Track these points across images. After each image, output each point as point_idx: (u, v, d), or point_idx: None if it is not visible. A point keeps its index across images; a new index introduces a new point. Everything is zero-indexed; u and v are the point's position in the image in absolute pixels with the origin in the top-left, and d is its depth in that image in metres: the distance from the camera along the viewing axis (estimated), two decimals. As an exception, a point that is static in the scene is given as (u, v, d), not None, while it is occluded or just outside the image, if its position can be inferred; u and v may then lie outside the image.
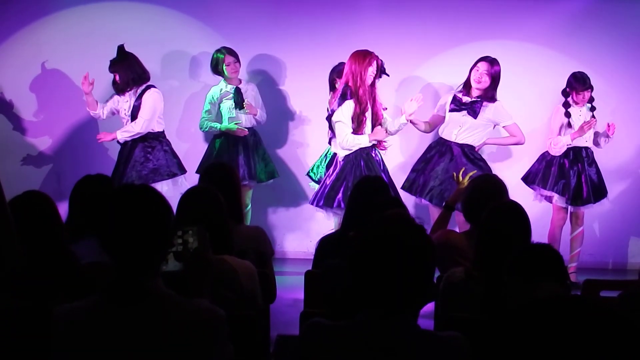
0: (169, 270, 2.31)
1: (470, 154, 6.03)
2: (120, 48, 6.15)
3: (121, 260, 2.08)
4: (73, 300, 2.15)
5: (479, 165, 5.94)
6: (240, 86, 6.57)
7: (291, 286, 5.30)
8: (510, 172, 6.66)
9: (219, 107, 6.59)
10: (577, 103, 6.28)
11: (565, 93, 6.30)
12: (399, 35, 6.95)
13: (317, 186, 6.03)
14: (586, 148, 6.34)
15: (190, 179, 6.14)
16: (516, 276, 2.63)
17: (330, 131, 5.81)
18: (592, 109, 6.32)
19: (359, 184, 4.06)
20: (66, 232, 2.96)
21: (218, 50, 6.51)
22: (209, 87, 6.72)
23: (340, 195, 5.52)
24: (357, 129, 5.53)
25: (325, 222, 6.11)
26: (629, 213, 6.99)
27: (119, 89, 6.19)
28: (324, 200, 5.60)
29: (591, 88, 6.24)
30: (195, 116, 6.77)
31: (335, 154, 5.81)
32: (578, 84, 6.20)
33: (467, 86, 6.07)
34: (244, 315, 2.82)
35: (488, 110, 6.03)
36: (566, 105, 6.30)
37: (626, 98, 6.96)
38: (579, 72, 6.26)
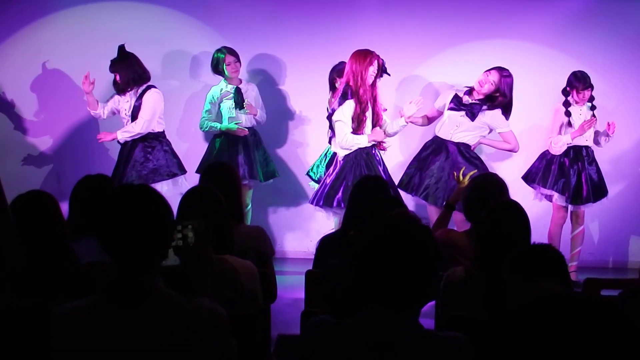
0: (169, 264, 2.31)
1: (466, 152, 6.03)
2: (121, 48, 6.15)
3: (121, 260, 2.09)
4: (73, 299, 2.15)
5: (475, 164, 5.94)
6: (240, 86, 6.57)
7: (291, 286, 5.30)
8: (510, 171, 6.66)
9: (219, 107, 6.59)
10: (577, 102, 6.28)
11: (565, 92, 6.30)
12: (399, 34, 6.94)
13: (316, 186, 6.02)
14: (586, 147, 6.34)
15: (191, 179, 6.14)
16: (516, 275, 2.63)
17: (330, 131, 5.81)
18: (593, 108, 6.32)
19: (359, 183, 4.07)
20: (67, 232, 2.96)
21: (218, 50, 6.51)
22: (209, 86, 6.72)
23: (340, 194, 5.51)
24: (357, 129, 5.52)
25: (326, 222, 6.11)
26: (629, 212, 6.99)
27: (120, 88, 6.19)
28: (324, 199, 5.59)
29: (591, 87, 6.24)
30: (196, 116, 6.77)
31: (335, 154, 5.81)
32: (578, 83, 6.20)
33: (473, 87, 6.07)
34: (245, 314, 2.82)
35: (486, 115, 6.03)
36: (566, 104, 6.30)
37: (626, 97, 6.96)
38: (579, 71, 6.26)
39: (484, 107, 5.99)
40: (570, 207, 6.36)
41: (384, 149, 5.73)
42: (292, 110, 7.17)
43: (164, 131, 6.29)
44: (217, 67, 6.52)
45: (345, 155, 5.59)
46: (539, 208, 6.46)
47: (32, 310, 2.64)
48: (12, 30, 7.15)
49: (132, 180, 6.00)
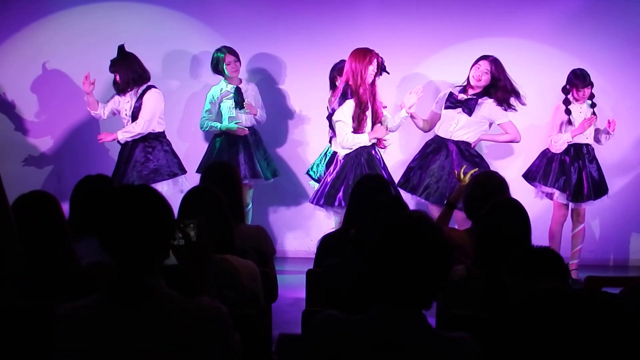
0: (169, 263, 2.31)
1: (466, 150, 6.03)
2: (121, 48, 6.15)
3: (122, 261, 2.09)
4: (74, 300, 2.15)
5: (475, 162, 5.94)
6: (240, 86, 6.57)
7: (292, 285, 5.30)
8: (511, 170, 6.66)
9: (219, 106, 6.59)
10: (577, 100, 6.28)
11: (565, 90, 6.30)
12: (399, 33, 6.94)
13: (316, 185, 6.03)
14: (587, 145, 6.34)
15: (191, 179, 6.14)
16: (517, 275, 2.64)
17: (330, 130, 5.81)
18: (593, 105, 6.32)
19: (359, 183, 4.07)
20: (68, 232, 2.96)
21: (218, 50, 6.51)
22: (209, 86, 6.72)
23: (341, 194, 5.51)
24: (358, 128, 5.52)
25: (326, 221, 6.11)
26: (630, 209, 6.99)
27: (120, 89, 6.19)
28: (325, 199, 5.60)
29: (591, 85, 6.24)
30: (196, 116, 6.78)
31: (335, 153, 5.81)
32: (578, 80, 6.20)
33: (467, 84, 6.08)
34: (246, 314, 2.82)
35: (483, 108, 6.03)
36: (566, 102, 6.30)
37: (626, 95, 6.95)
38: (579, 69, 6.26)
39: (480, 100, 6.00)
40: (571, 205, 6.36)
41: (384, 147, 5.73)
42: (292, 109, 7.17)
43: (164, 131, 6.30)
44: (217, 67, 6.52)
45: (346, 154, 5.59)
46: (539, 206, 6.47)
47: (33, 311, 2.64)
48: (12, 31, 7.15)
49: (132, 181, 6.01)
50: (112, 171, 6.18)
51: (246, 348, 2.27)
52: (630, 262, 7.06)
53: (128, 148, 6.19)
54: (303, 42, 7.04)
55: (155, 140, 6.22)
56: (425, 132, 6.28)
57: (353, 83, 5.48)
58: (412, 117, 5.96)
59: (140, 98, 6.14)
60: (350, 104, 5.48)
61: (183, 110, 7.13)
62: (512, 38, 6.94)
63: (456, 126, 6.05)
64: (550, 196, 6.40)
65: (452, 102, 6.09)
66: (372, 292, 2.03)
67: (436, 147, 6.11)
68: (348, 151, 5.58)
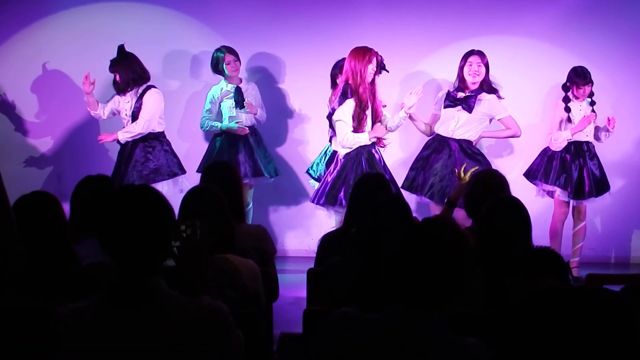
0: (171, 265, 2.31)
1: (468, 149, 6.03)
2: (121, 48, 6.16)
3: (122, 261, 2.08)
4: (75, 300, 2.15)
5: (478, 160, 5.94)
6: (240, 85, 6.57)
7: (293, 284, 5.30)
8: (512, 168, 6.66)
9: (220, 106, 6.59)
10: (577, 97, 6.27)
11: (565, 87, 6.30)
12: (399, 31, 6.94)
13: (316, 184, 6.03)
14: (587, 142, 6.33)
15: (191, 179, 6.14)
16: (517, 275, 2.65)
17: (330, 129, 5.80)
18: (592, 103, 6.32)
19: (360, 182, 4.07)
20: (69, 233, 2.96)
21: (218, 50, 6.51)
22: (209, 86, 6.72)
23: (341, 193, 5.51)
24: (358, 127, 5.52)
25: (327, 220, 6.11)
26: (631, 207, 6.99)
27: (120, 89, 6.19)
28: (325, 198, 5.60)
29: (591, 83, 6.24)
30: (196, 115, 6.77)
31: (335, 152, 5.81)
32: (579, 78, 6.20)
33: (460, 81, 6.08)
34: (247, 313, 2.82)
35: (483, 104, 6.03)
36: (566, 100, 6.30)
37: (627, 92, 6.95)
38: (579, 66, 6.26)
39: (479, 96, 6.00)
40: (572, 202, 6.36)
41: (383, 146, 5.73)
42: (292, 108, 7.17)
43: (164, 131, 6.30)
44: (217, 67, 6.52)
45: (346, 153, 5.59)
46: (540, 205, 6.47)
47: (34, 311, 2.64)
48: (12, 32, 7.15)
49: (133, 180, 6.01)
50: (112, 171, 6.18)
51: (247, 347, 2.27)
52: (632, 259, 7.06)
53: (128, 148, 6.19)
54: (303, 41, 7.04)
55: (155, 140, 6.22)
56: (428, 136, 6.27)
57: (353, 82, 5.48)
58: (411, 118, 5.95)
59: (140, 98, 6.14)
60: (350, 103, 5.48)
61: (183, 110, 7.13)
62: (512, 36, 6.94)
63: (457, 124, 6.05)
64: (551, 194, 6.40)
65: (451, 100, 6.09)
66: (389, 292, 2.04)
67: (437, 146, 6.10)
68: (348, 150, 5.58)
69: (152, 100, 6.14)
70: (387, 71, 5.66)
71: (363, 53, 5.49)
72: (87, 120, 6.96)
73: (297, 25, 7.05)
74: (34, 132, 7.20)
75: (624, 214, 7.00)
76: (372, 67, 5.49)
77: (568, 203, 6.38)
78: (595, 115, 6.25)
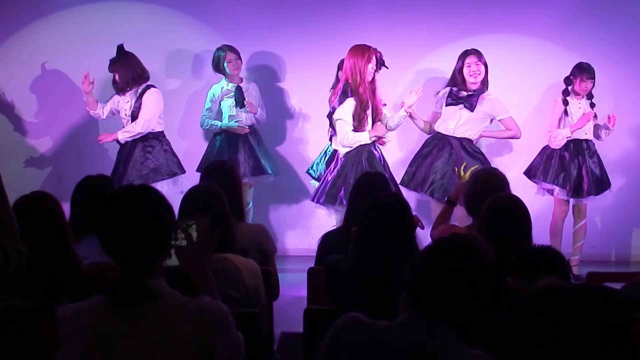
0: (172, 265, 2.31)
1: (469, 147, 6.03)
2: (120, 47, 6.15)
3: (123, 262, 2.08)
4: (76, 300, 2.15)
5: (478, 159, 5.94)
6: (241, 85, 6.57)
7: (293, 283, 5.29)
8: (512, 167, 6.65)
9: (220, 105, 6.59)
10: (578, 93, 6.26)
11: (568, 80, 6.27)
12: (400, 30, 6.93)
13: (317, 183, 6.02)
14: (587, 140, 6.33)
15: (191, 178, 6.13)
16: (518, 275, 2.65)
17: (330, 128, 5.80)
18: (592, 105, 6.31)
19: (359, 180, 4.07)
20: (69, 233, 2.96)
21: (219, 48, 6.51)
22: (210, 85, 6.71)
23: (342, 192, 5.51)
24: (359, 127, 5.53)
25: (327, 219, 6.11)
26: (632, 205, 6.98)
27: (119, 88, 6.19)
28: (325, 197, 5.60)
29: (594, 80, 6.23)
30: (196, 115, 6.76)
31: (335, 151, 5.81)
32: (583, 71, 6.19)
33: (460, 83, 6.07)
34: (248, 312, 2.83)
35: (485, 104, 6.03)
36: (565, 92, 6.28)
37: (628, 90, 6.94)
38: (584, 62, 6.25)
39: (481, 96, 6.00)
40: (572, 200, 6.35)
41: (383, 144, 5.73)
42: (292, 107, 7.16)
43: (163, 131, 6.30)
44: (217, 65, 6.51)
45: (346, 152, 5.59)
46: (541, 203, 6.46)
47: (35, 312, 2.64)
48: (11, 32, 7.14)
49: (132, 180, 6.01)
50: (111, 171, 6.18)
51: (248, 346, 2.27)
52: (632, 257, 7.05)
53: (127, 148, 6.19)
54: (303, 40, 7.03)
55: (155, 139, 6.22)
56: (428, 134, 6.26)
57: (352, 82, 5.48)
58: (411, 116, 5.96)
59: (139, 98, 6.13)
60: (350, 102, 5.48)
61: (183, 110, 7.13)
62: (511, 34, 6.94)
63: (458, 122, 6.05)
64: (551, 192, 6.40)
65: (453, 98, 6.08)
66: (408, 299, 2.02)
67: (438, 144, 6.10)
68: (348, 149, 5.58)
69: (152, 100, 6.13)
70: (387, 67, 5.65)
71: (362, 52, 5.49)
72: (87, 120, 6.95)
73: (297, 24, 7.05)
74: (33, 132, 7.19)
75: (624, 212, 7.00)
76: (371, 66, 5.49)
77: (568, 201, 6.38)
78: (594, 112, 6.25)
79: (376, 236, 3.02)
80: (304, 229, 7.20)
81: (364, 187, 3.91)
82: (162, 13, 7.11)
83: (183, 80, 7.13)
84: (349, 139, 5.52)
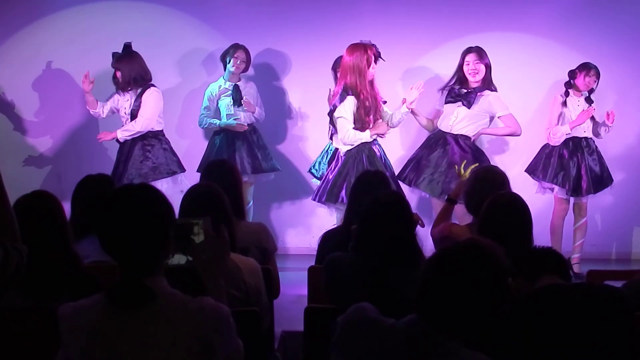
0: (174, 264, 2.31)
1: (463, 143, 6.03)
2: (127, 46, 6.13)
3: (123, 261, 2.08)
4: (77, 299, 2.15)
5: (475, 156, 5.91)
6: (239, 83, 6.56)
7: (293, 282, 5.29)
8: (512, 164, 6.65)
9: (217, 103, 6.58)
10: (578, 90, 6.26)
11: (572, 73, 6.25)
12: (400, 27, 6.93)
13: (319, 182, 6.03)
14: (586, 138, 6.32)
15: (191, 177, 6.13)
16: (519, 276, 2.65)
17: (331, 127, 5.80)
18: (590, 101, 6.30)
19: (359, 179, 4.07)
20: (70, 232, 2.96)
21: (236, 44, 6.49)
22: (208, 84, 6.71)
23: (343, 191, 5.51)
24: (361, 129, 5.52)
25: (327, 218, 6.11)
26: (632, 203, 6.98)
27: (120, 86, 6.18)
28: (326, 195, 5.60)
29: (598, 78, 6.23)
30: (195, 114, 6.76)
31: (336, 149, 5.81)
32: (590, 68, 6.19)
33: (461, 81, 6.07)
34: (249, 311, 2.83)
35: (483, 101, 6.02)
36: (568, 85, 6.28)
37: (628, 88, 6.94)
38: (592, 63, 6.26)
39: (479, 93, 6.00)
40: (572, 199, 6.35)
41: (382, 136, 5.74)
42: (292, 106, 7.16)
43: (162, 130, 6.29)
44: (224, 56, 6.50)
45: (347, 150, 5.59)
46: (541, 201, 6.46)
47: (36, 311, 2.64)
48: (12, 31, 7.14)
49: (131, 179, 6.00)
50: (111, 170, 6.17)
51: (249, 345, 2.27)
52: (633, 255, 7.04)
53: (127, 146, 6.19)
54: (303, 38, 7.03)
55: (154, 138, 6.21)
56: (430, 131, 6.27)
57: (354, 86, 5.46)
58: (413, 113, 5.96)
59: (139, 96, 6.13)
60: (351, 100, 5.48)
61: (182, 108, 7.12)
62: (512, 33, 6.93)
63: (455, 119, 6.05)
64: (551, 191, 6.40)
65: (452, 96, 6.09)
66: (415, 302, 2.01)
67: (435, 140, 6.13)
68: (349, 147, 5.57)
69: (152, 99, 6.13)
70: (384, 60, 5.64)
71: (361, 54, 5.47)
72: (87, 120, 6.95)
73: (297, 22, 7.04)
74: (33, 131, 7.19)
75: (624, 210, 7.00)
76: (371, 69, 5.49)
77: (568, 200, 6.38)
78: (594, 109, 6.25)
79: (376, 234, 3.02)
80: (305, 228, 7.20)
81: (364, 185, 3.91)
82: (162, 12, 7.10)
83: (182, 79, 7.12)
84: (350, 137, 5.52)
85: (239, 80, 6.60)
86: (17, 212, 1.99)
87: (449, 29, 6.92)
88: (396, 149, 6.81)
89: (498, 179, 3.93)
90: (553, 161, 6.29)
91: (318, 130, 6.60)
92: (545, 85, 6.83)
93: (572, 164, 6.25)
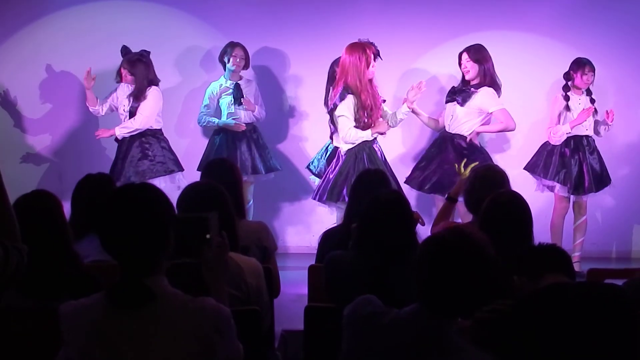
0: (179, 262, 2.31)
1: (457, 143, 6.03)
2: (145, 53, 6.20)
3: (123, 261, 2.08)
4: (77, 298, 2.15)
5: (464, 155, 5.88)
6: (240, 82, 6.56)
7: (294, 281, 5.29)
8: (512, 163, 6.64)
9: (218, 102, 6.58)
10: (578, 88, 6.26)
11: (567, 76, 6.25)
12: (400, 26, 6.93)
13: (317, 179, 6.03)
14: (587, 136, 6.32)
15: (190, 176, 6.13)
16: (523, 274, 2.64)
17: (331, 125, 5.80)
18: (592, 101, 6.30)
19: (359, 177, 4.07)
20: (70, 231, 2.96)
21: (232, 42, 6.50)
22: (208, 83, 6.71)
23: (344, 190, 5.51)
24: (362, 128, 5.52)
25: (328, 216, 6.10)
26: (632, 201, 6.98)
27: (134, 93, 6.17)
28: (327, 194, 5.60)
29: (594, 72, 6.22)
30: (195, 113, 6.76)
31: (336, 148, 5.80)
32: (583, 65, 6.18)
33: (463, 80, 6.12)
34: (249, 310, 2.82)
35: (476, 98, 6.02)
36: (566, 88, 6.28)
37: (627, 86, 6.94)
38: (583, 57, 6.25)
39: (472, 90, 6.00)
40: (572, 197, 6.35)
41: (383, 135, 5.74)
42: (293, 105, 7.16)
43: (161, 129, 6.30)
44: (222, 56, 6.50)
45: (348, 149, 5.58)
46: (541, 199, 6.45)
47: (36, 311, 2.64)
48: (12, 31, 7.14)
49: (129, 177, 6.02)
50: (110, 168, 6.18)
51: (249, 344, 2.27)
52: (633, 253, 7.04)
53: (125, 144, 6.20)
54: (303, 37, 7.03)
55: (152, 137, 6.22)
56: (437, 131, 6.30)
57: (354, 86, 5.46)
58: (414, 112, 5.96)
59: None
60: (351, 99, 5.47)
61: (182, 108, 7.12)
62: (512, 31, 6.93)
63: (452, 119, 6.07)
64: (551, 189, 6.40)
65: (450, 95, 6.12)
66: (416, 293, 2.06)
67: (436, 141, 6.17)
68: (350, 146, 5.57)
69: (152, 98, 6.14)
70: (381, 58, 5.64)
71: (360, 54, 5.46)
72: (86, 118, 6.95)
73: (297, 21, 7.04)
74: (33, 130, 7.19)
75: (625, 208, 7.00)
76: (371, 68, 5.48)
77: (568, 198, 6.37)
78: (594, 108, 6.24)
79: (376, 233, 3.02)
80: (305, 227, 7.20)
81: (364, 184, 3.91)
82: (162, 11, 7.10)
83: (182, 78, 7.12)
84: (351, 135, 5.52)
85: (240, 79, 6.60)
86: (17, 212, 1.99)
87: (448, 28, 6.92)
88: (397, 148, 6.81)
89: (498, 177, 3.93)
90: (554, 159, 6.28)
91: (318, 129, 6.60)
92: (545, 83, 6.82)
93: (573, 162, 6.25)
